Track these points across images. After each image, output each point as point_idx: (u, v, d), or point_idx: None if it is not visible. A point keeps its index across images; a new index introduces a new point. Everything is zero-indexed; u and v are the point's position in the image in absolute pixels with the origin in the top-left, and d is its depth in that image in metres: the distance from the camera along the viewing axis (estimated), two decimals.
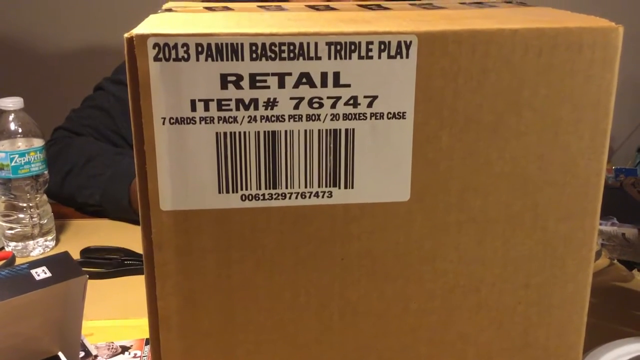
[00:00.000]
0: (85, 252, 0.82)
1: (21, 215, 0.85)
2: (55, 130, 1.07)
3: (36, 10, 1.89)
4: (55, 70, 1.91)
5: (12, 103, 0.82)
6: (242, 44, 0.34)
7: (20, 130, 0.83)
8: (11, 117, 0.83)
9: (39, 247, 0.86)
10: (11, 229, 0.85)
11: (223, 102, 0.35)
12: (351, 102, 0.36)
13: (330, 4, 0.45)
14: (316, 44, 0.35)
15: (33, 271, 0.45)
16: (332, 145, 0.37)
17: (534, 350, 0.42)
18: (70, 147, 1.01)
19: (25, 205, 0.84)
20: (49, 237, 0.87)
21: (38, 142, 0.84)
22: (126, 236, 0.88)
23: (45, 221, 0.87)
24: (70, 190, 0.98)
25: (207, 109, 0.35)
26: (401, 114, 0.36)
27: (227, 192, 0.37)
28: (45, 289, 0.45)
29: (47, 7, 1.89)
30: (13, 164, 0.81)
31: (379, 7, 0.43)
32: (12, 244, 0.85)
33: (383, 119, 0.36)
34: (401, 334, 0.40)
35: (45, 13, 1.90)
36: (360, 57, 0.35)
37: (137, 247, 0.80)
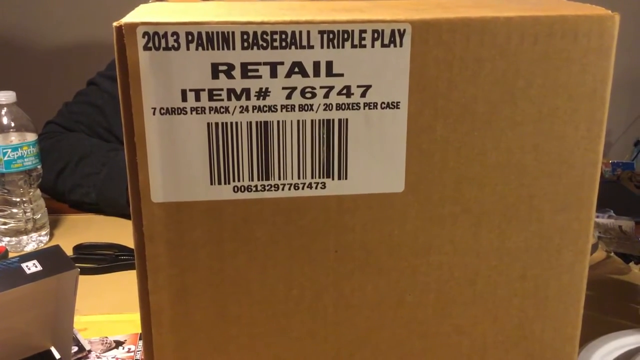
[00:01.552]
0: (77, 248, 0.82)
1: (15, 210, 0.84)
2: (46, 124, 1.06)
3: (29, 3, 1.88)
4: (48, 64, 1.90)
5: (5, 97, 0.81)
6: (233, 33, 0.34)
7: (13, 125, 0.82)
8: (4, 112, 0.82)
9: (33, 242, 0.85)
10: (5, 224, 0.84)
11: (214, 92, 0.35)
12: (344, 91, 0.35)
13: None
14: (308, 32, 0.34)
15: (24, 265, 0.45)
16: (325, 136, 0.36)
17: (530, 343, 0.41)
18: (62, 143, 1.00)
19: (18, 200, 0.84)
20: (43, 232, 0.86)
21: (31, 137, 0.83)
22: (120, 231, 0.88)
23: (39, 216, 0.86)
24: (64, 189, 0.97)
25: (198, 99, 0.35)
26: (395, 104, 0.36)
27: (219, 183, 0.36)
28: (36, 283, 0.44)
29: (40, 0, 1.88)
30: (6, 158, 0.81)
31: None
32: (6, 239, 0.84)
33: (377, 108, 0.36)
34: (395, 326, 0.40)
35: (38, 7, 1.88)
36: (353, 46, 0.35)
37: (132, 242, 0.80)
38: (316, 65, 0.35)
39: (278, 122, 0.35)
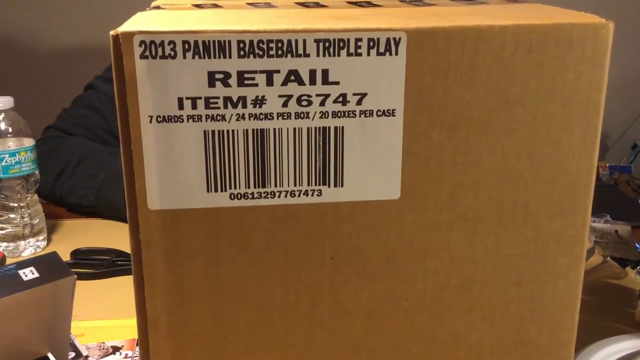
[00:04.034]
0: (75, 253, 0.82)
1: (12, 216, 0.84)
2: (45, 129, 1.06)
3: (26, 9, 1.88)
4: (45, 69, 1.91)
5: (2, 102, 0.81)
6: (229, 41, 0.34)
7: (10, 130, 0.82)
8: (1, 117, 0.82)
9: (30, 248, 0.85)
10: (2, 229, 0.84)
11: (211, 100, 0.35)
12: (340, 99, 0.35)
13: (320, 1, 0.44)
14: (304, 41, 0.34)
15: (21, 272, 0.45)
16: (321, 143, 0.36)
17: (526, 348, 0.42)
18: (61, 147, 1.00)
19: (16, 205, 0.84)
20: (40, 237, 0.86)
21: (29, 142, 0.83)
22: (118, 236, 0.88)
23: (37, 221, 0.86)
24: (62, 191, 0.97)
25: (194, 107, 0.35)
26: (391, 112, 0.36)
27: (216, 190, 0.36)
28: (33, 290, 0.44)
29: (37, 5, 1.89)
30: (3, 163, 0.81)
31: (369, 4, 0.43)
32: (3, 244, 0.84)
33: (372, 116, 0.36)
34: (392, 333, 0.40)
35: (36, 12, 1.89)
36: (349, 54, 0.35)
37: (129, 247, 0.80)
38: (312, 73, 0.35)
39: (274, 129, 0.36)
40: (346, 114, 0.36)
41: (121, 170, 0.35)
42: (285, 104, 0.35)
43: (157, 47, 0.33)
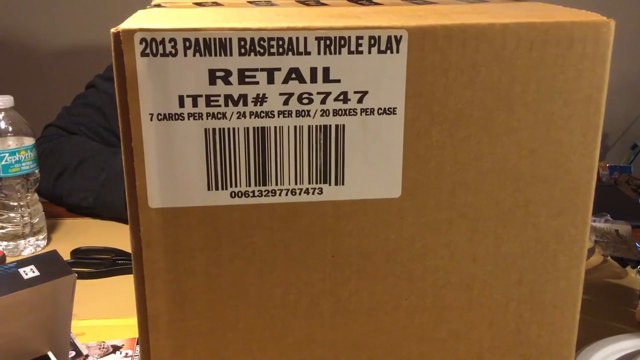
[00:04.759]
0: (75, 252, 0.82)
1: (12, 214, 0.84)
2: (46, 127, 1.06)
3: (26, 7, 1.88)
4: (46, 68, 1.90)
5: (2, 101, 0.81)
6: (230, 39, 0.34)
7: (10, 129, 0.83)
8: (1, 116, 0.82)
9: (30, 247, 0.85)
10: (2, 228, 0.84)
11: (211, 98, 0.35)
12: (341, 97, 0.35)
13: None
14: (305, 38, 0.34)
15: (21, 270, 0.45)
16: (322, 142, 0.36)
17: (526, 348, 0.42)
18: (62, 147, 1.00)
19: (16, 204, 0.84)
20: (40, 236, 0.86)
21: (29, 141, 0.83)
22: (118, 235, 0.88)
23: (37, 220, 0.86)
24: (62, 193, 0.97)
25: (195, 104, 0.35)
26: (392, 110, 0.36)
27: (217, 189, 0.36)
28: (33, 288, 0.44)
29: (37, 4, 1.88)
30: (3, 162, 0.81)
31: (370, 2, 0.43)
32: (3, 243, 0.84)
33: (373, 114, 0.36)
34: (392, 331, 0.40)
35: (35, 10, 1.89)
36: (350, 52, 0.35)
37: (129, 246, 0.79)
38: (313, 71, 0.35)
39: (275, 127, 0.36)
40: (347, 112, 0.36)
41: (121, 171, 0.35)
42: (286, 102, 0.35)
43: (157, 44, 0.33)
